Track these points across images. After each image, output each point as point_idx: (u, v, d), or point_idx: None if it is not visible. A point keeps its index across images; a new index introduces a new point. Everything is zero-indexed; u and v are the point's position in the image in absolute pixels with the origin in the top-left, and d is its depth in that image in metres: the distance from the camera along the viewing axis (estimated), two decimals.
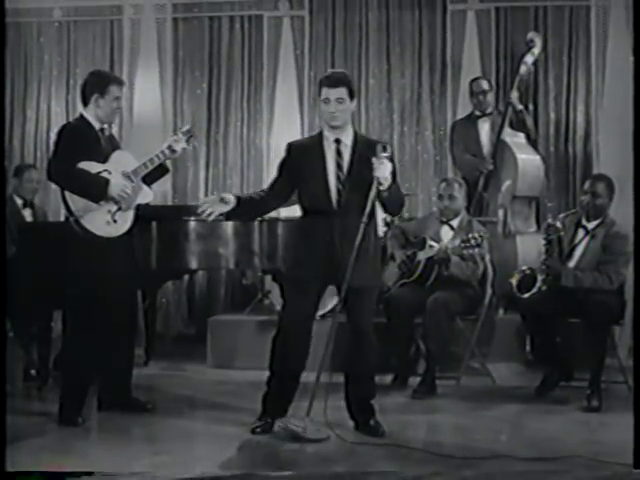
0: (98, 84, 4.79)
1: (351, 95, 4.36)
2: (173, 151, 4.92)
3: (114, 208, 4.73)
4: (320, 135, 4.45)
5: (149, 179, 4.94)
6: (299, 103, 7.64)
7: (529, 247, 6.30)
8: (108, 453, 4.16)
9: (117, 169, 4.77)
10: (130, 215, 4.81)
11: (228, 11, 7.85)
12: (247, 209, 4.44)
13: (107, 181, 4.68)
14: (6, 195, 6.31)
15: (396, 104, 7.66)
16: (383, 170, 4.21)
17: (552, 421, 4.83)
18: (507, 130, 6.64)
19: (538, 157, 6.74)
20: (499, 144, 6.59)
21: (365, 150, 4.32)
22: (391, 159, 4.26)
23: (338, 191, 4.33)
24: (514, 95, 6.62)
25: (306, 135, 7.59)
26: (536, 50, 6.65)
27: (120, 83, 4.89)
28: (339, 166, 4.35)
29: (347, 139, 4.39)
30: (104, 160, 4.76)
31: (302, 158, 4.39)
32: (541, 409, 5.07)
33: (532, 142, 6.82)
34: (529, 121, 6.78)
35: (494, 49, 7.46)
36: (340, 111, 4.32)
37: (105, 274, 4.67)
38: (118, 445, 4.31)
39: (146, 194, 4.90)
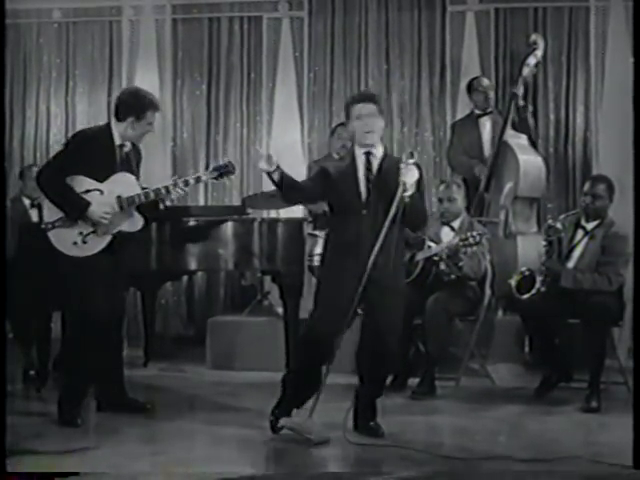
0: (137, 107, 4.71)
1: (380, 111, 4.42)
2: (168, 191, 4.74)
3: (87, 230, 4.63)
4: (352, 155, 4.49)
5: (143, 208, 4.80)
6: (298, 104, 7.64)
7: (529, 248, 6.29)
8: (107, 453, 4.15)
9: (113, 191, 4.66)
10: (105, 239, 4.66)
11: (227, 12, 7.85)
12: (289, 183, 4.40)
13: (87, 204, 4.58)
14: (12, 195, 6.34)
15: (395, 105, 7.65)
16: (410, 176, 4.24)
17: (551, 422, 4.83)
18: (509, 131, 6.62)
19: (540, 158, 6.73)
20: (501, 145, 6.58)
21: (392, 164, 4.38)
22: (418, 166, 4.30)
23: (367, 190, 4.38)
24: (519, 95, 6.60)
25: (306, 135, 7.64)
26: (539, 52, 6.62)
27: (157, 109, 4.80)
28: (369, 169, 4.40)
29: (377, 152, 4.45)
30: (104, 178, 4.67)
31: (334, 174, 4.44)
32: (540, 410, 5.08)
33: (533, 143, 6.82)
34: (532, 121, 6.78)
35: (493, 50, 7.46)
36: (372, 126, 4.38)
37: (84, 281, 4.63)
38: (117, 446, 4.30)
39: (135, 223, 4.76)
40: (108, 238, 4.69)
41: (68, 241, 4.64)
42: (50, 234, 4.63)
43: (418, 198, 4.34)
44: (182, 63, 7.88)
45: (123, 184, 4.71)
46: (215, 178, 4.84)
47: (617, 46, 6.96)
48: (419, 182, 4.31)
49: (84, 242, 4.64)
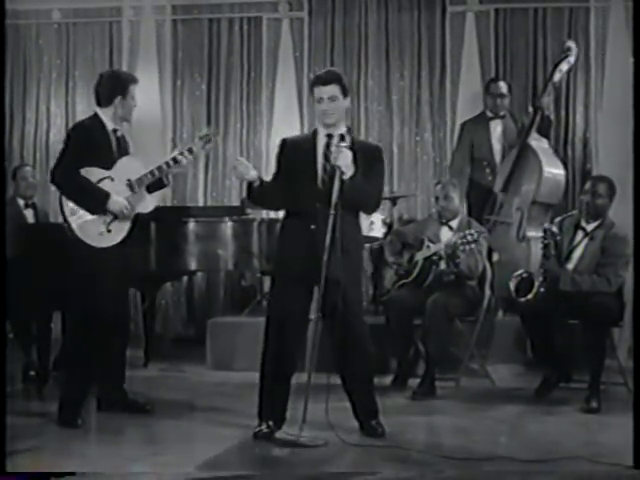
0: (119, 85, 4.80)
1: (344, 92, 4.35)
2: (176, 162, 4.84)
3: (110, 218, 4.68)
4: (314, 132, 4.45)
5: (151, 187, 4.88)
6: (298, 104, 7.64)
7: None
8: (107, 454, 4.15)
9: (122, 176, 4.72)
10: (126, 225, 4.74)
11: (227, 13, 7.86)
12: (266, 191, 4.39)
13: (107, 195, 4.64)
14: (7, 197, 6.33)
15: (395, 106, 7.66)
16: (343, 158, 4.19)
17: (551, 422, 4.83)
18: (532, 134, 6.59)
19: (561, 165, 6.67)
20: (523, 146, 6.54)
21: (358, 150, 4.30)
22: (351, 148, 4.24)
23: (323, 181, 4.31)
24: (545, 100, 6.58)
25: None
26: (572, 58, 6.56)
27: (136, 81, 4.91)
28: (327, 158, 4.32)
29: (339, 133, 4.36)
30: (110, 165, 4.72)
31: (295, 153, 4.40)
32: (540, 410, 5.08)
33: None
34: (551, 129, 6.76)
35: (493, 51, 7.46)
36: (333, 109, 4.32)
37: (97, 278, 4.64)
38: (117, 446, 4.31)
39: (148, 203, 4.83)
40: (128, 223, 4.75)
41: (94, 232, 4.67)
42: (77, 231, 4.65)
43: (360, 179, 4.23)
44: (182, 63, 7.89)
45: (129, 168, 4.79)
46: (202, 147, 4.95)
47: (617, 46, 6.96)
48: (357, 163, 4.21)
49: (108, 231, 4.69)
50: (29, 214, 6.41)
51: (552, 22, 7.42)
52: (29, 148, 7.99)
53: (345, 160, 4.19)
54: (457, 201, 5.87)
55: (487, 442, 4.38)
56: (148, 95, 7.58)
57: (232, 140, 7.86)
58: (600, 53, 7.16)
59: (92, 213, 4.65)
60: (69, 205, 4.67)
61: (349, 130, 4.45)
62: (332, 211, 4.15)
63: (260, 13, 7.79)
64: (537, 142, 6.59)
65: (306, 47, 7.71)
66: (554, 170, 6.58)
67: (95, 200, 4.64)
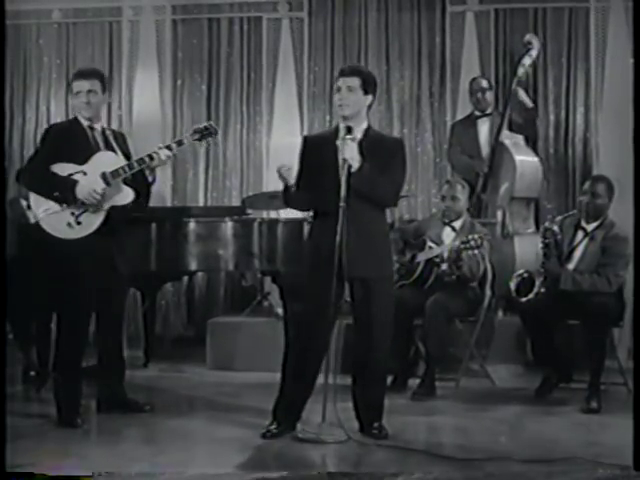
0: (70, 82, 4.81)
1: (365, 88, 4.31)
2: (151, 158, 4.69)
3: (79, 210, 4.62)
4: (336, 128, 4.43)
5: (138, 185, 4.79)
6: (298, 104, 7.64)
7: (527, 248, 6.30)
8: (107, 454, 4.15)
9: (95, 170, 4.65)
10: (99, 217, 4.66)
11: (227, 13, 7.86)
12: (298, 195, 4.39)
13: (75, 183, 4.59)
14: (7, 196, 6.34)
15: (395, 105, 7.66)
16: (349, 151, 4.18)
17: (551, 423, 4.83)
18: (505, 132, 6.64)
19: (536, 159, 6.77)
20: (497, 146, 6.60)
21: (376, 144, 4.31)
22: (355, 140, 4.23)
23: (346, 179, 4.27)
24: (521, 94, 6.63)
25: None
26: (534, 52, 6.66)
27: (84, 76, 4.75)
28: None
29: (358, 131, 4.33)
30: (84, 161, 4.68)
31: (317, 151, 4.38)
32: (541, 411, 5.08)
33: (532, 143, 6.83)
34: (537, 121, 6.80)
35: (493, 50, 7.46)
36: (349, 100, 4.29)
37: (74, 274, 4.62)
38: (117, 446, 4.31)
39: (125, 195, 4.71)
40: (102, 215, 4.67)
41: (62, 224, 4.62)
42: (43, 223, 4.63)
43: (372, 172, 4.21)
44: (182, 63, 7.88)
45: (105, 162, 4.71)
46: (198, 140, 4.84)
47: (617, 46, 6.95)
48: (367, 155, 4.21)
49: (78, 223, 4.63)
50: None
51: (552, 22, 7.42)
52: (29, 148, 7.96)
53: (350, 152, 4.19)
54: (463, 202, 5.86)
55: (487, 442, 4.38)
56: (148, 95, 7.61)
57: (232, 140, 7.85)
58: (600, 53, 7.15)
59: (61, 202, 4.59)
60: (36, 201, 4.66)
61: (368, 127, 4.40)
62: (342, 203, 4.15)
63: (260, 13, 7.78)
64: (510, 139, 6.67)
65: (306, 47, 7.71)
66: (529, 165, 6.68)
67: (63, 189, 4.58)
